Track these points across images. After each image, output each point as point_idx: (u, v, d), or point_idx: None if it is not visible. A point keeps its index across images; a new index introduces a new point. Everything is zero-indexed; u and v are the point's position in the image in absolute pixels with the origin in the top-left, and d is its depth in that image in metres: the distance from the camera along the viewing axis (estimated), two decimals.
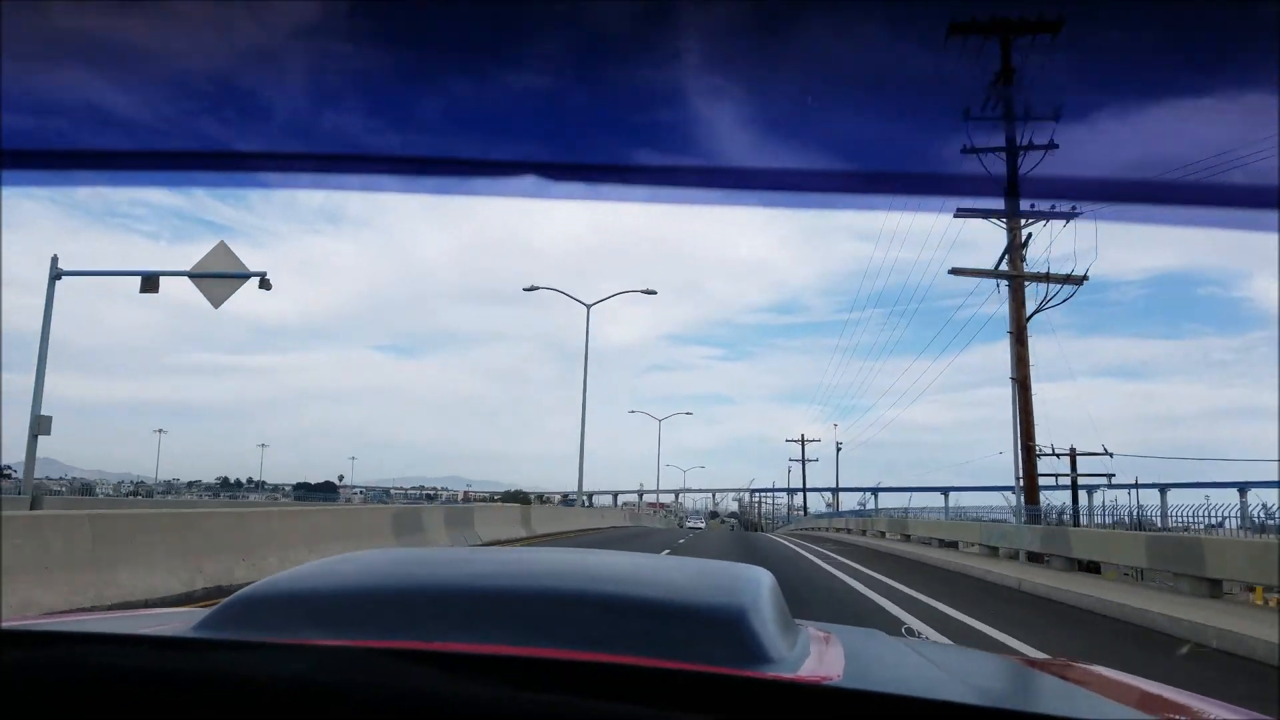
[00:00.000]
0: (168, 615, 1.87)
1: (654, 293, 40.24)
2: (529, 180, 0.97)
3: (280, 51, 0.93)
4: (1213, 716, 1.39)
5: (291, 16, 0.93)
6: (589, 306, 39.85)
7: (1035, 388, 20.86)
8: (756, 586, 1.54)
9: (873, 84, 0.94)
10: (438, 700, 0.97)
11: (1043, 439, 21.38)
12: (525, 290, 39.39)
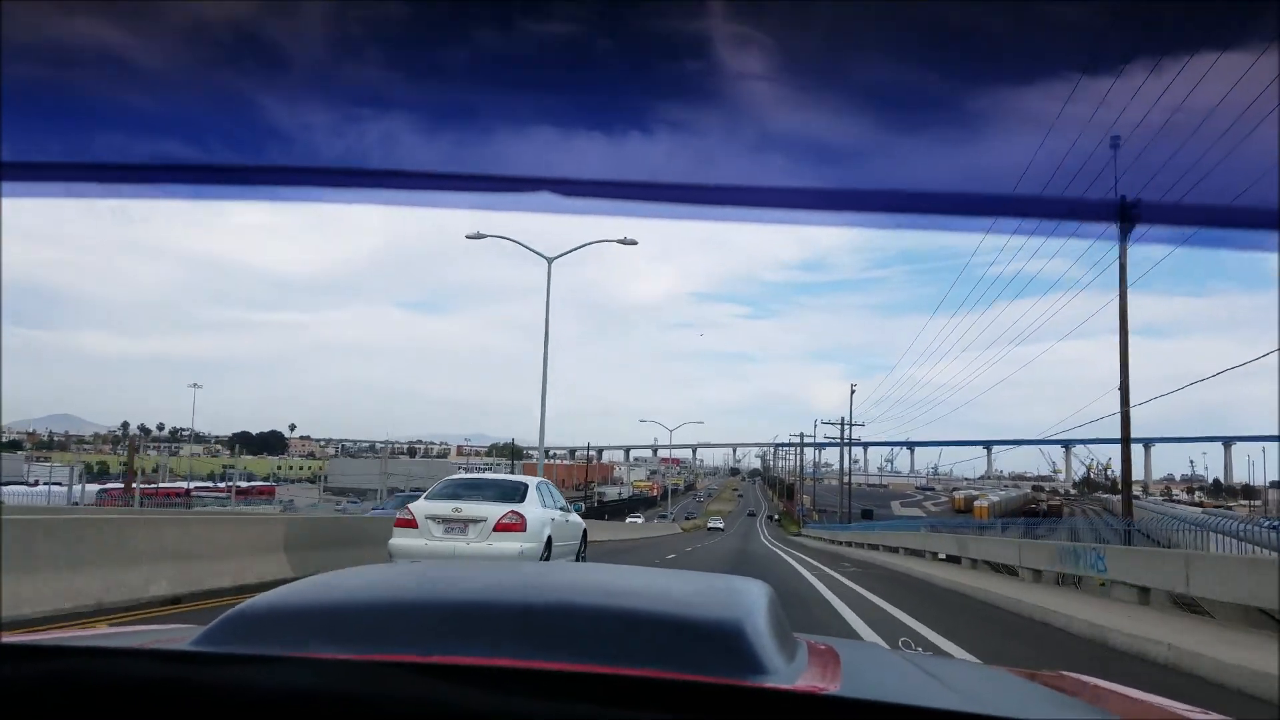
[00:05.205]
0: (164, 631, 1.97)
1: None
2: (548, 132, 1.06)
3: (297, 9, 1.01)
4: None
5: None
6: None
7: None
8: (754, 599, 1.68)
9: (903, 33, 1.01)
10: (443, 713, 1.06)
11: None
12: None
